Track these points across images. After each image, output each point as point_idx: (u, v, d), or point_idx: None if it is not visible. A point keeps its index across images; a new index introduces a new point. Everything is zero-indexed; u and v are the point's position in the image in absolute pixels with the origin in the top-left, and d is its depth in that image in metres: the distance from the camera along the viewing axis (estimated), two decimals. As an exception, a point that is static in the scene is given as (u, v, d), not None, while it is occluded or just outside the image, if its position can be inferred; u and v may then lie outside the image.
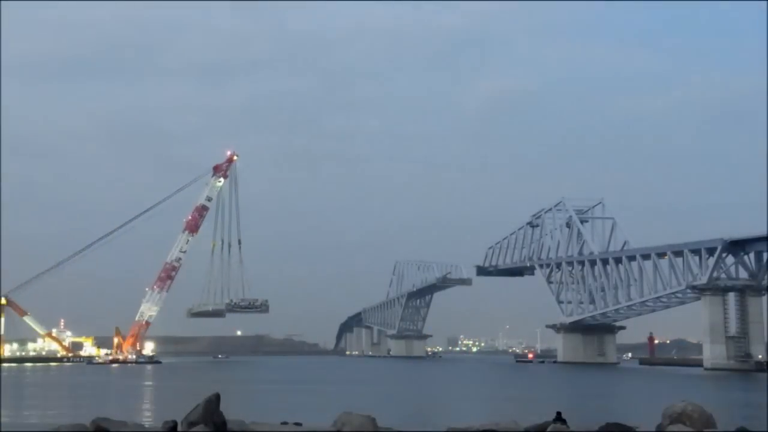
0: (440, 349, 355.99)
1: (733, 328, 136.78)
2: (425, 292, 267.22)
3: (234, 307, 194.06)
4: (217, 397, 21.16)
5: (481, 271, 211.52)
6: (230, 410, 22.44)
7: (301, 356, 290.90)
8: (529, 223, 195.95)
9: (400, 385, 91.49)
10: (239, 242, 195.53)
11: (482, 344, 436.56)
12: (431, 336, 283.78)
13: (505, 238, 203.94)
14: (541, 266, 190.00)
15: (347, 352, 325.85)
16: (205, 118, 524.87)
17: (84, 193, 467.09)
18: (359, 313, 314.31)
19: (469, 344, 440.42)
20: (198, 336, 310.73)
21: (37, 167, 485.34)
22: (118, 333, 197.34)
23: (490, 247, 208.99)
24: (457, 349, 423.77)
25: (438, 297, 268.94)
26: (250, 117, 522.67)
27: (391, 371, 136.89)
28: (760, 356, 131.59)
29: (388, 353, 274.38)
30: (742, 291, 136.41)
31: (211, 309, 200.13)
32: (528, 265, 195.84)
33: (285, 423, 24.87)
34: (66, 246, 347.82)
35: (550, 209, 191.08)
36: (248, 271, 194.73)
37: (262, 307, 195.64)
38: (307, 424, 24.54)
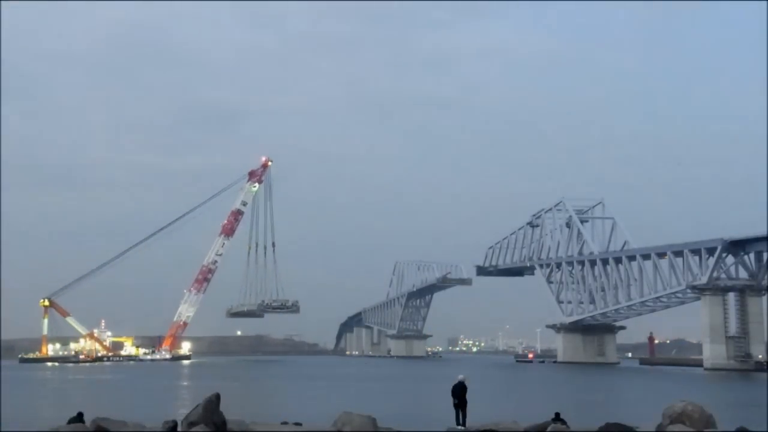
0: (440, 349, 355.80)
1: (733, 328, 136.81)
2: (425, 292, 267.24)
3: (266, 308, 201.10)
4: (217, 397, 21.17)
5: (481, 271, 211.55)
6: (230, 410, 22.42)
7: (301, 356, 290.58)
8: (529, 223, 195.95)
9: (401, 384, 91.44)
10: (273, 245, 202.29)
11: (482, 344, 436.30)
12: (431, 336, 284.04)
13: (505, 238, 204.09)
14: (541, 266, 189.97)
15: (347, 352, 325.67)
16: (243, 46, 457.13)
17: (98, 167, 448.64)
18: (359, 313, 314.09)
19: (469, 344, 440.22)
20: (201, 336, 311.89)
21: (43, 131, 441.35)
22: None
23: (490, 247, 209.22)
24: (457, 349, 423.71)
25: (438, 297, 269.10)
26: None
27: (392, 371, 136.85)
28: (760, 356, 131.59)
29: (388, 353, 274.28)
30: (742, 291, 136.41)
31: (246, 309, 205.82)
32: (528, 265, 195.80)
33: (285, 423, 24.90)
34: (93, 237, 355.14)
35: (550, 209, 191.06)
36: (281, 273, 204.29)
37: (293, 308, 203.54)
38: (307, 424, 24.57)
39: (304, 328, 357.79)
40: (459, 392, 28.47)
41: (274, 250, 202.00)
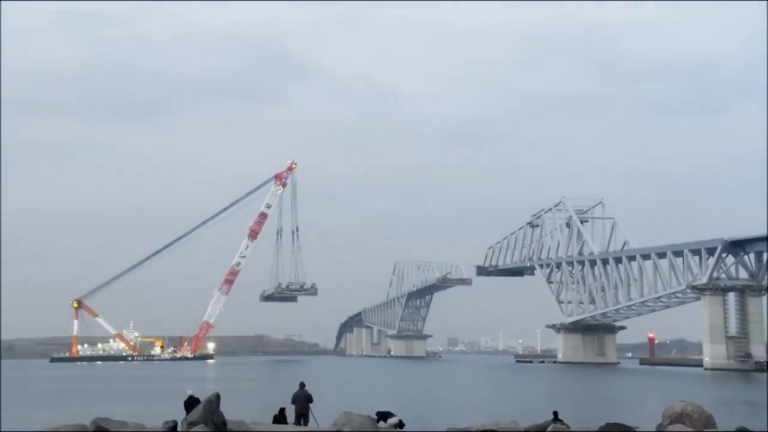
0: (440, 348, 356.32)
1: (733, 328, 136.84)
2: (425, 292, 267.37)
3: (284, 291, 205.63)
4: (217, 397, 21.15)
5: (481, 271, 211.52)
6: (230, 410, 22.40)
7: (301, 356, 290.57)
8: (529, 223, 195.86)
9: (401, 385, 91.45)
10: (297, 229, 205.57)
11: (482, 344, 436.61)
12: (431, 336, 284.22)
13: (505, 238, 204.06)
14: (541, 266, 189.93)
15: (347, 353, 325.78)
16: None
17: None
18: (359, 313, 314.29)
19: (470, 344, 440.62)
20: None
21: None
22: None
23: (490, 247, 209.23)
24: (457, 349, 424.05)
25: (438, 297, 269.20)
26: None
27: (392, 371, 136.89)
28: (760, 356, 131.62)
29: (388, 353, 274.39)
30: (742, 291, 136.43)
31: (266, 294, 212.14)
32: (528, 265, 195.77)
33: (285, 423, 24.86)
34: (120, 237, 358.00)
35: (550, 209, 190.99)
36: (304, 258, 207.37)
37: (311, 290, 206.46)
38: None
39: (304, 328, 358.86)
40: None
41: (296, 236, 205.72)
